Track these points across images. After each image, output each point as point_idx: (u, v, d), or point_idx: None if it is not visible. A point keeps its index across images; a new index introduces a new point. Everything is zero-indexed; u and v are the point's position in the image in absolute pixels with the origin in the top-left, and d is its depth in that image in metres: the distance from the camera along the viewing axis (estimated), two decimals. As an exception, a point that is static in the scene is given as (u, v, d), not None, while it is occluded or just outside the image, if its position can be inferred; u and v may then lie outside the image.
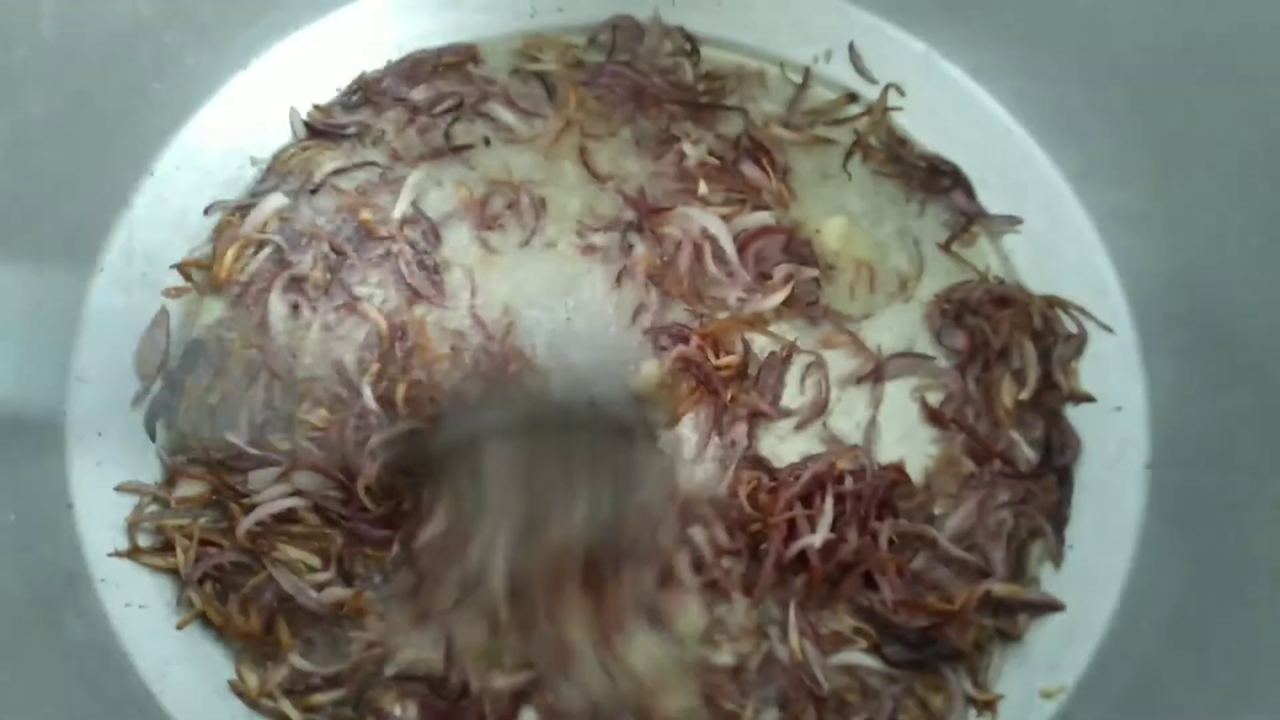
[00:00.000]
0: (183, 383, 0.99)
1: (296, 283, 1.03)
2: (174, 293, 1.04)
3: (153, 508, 0.95)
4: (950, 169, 1.11)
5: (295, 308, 1.02)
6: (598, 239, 1.08)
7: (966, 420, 1.00)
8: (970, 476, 0.98)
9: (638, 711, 0.87)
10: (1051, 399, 1.01)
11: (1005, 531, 0.96)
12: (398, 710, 0.89)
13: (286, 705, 0.89)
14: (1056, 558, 0.98)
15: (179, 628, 0.91)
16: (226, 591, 0.92)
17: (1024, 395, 1.01)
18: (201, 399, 0.98)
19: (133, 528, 0.94)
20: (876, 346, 1.03)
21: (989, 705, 0.92)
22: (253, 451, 0.95)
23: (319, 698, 0.90)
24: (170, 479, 0.96)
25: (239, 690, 0.90)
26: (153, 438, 0.98)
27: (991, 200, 1.11)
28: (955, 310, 1.04)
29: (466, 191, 1.09)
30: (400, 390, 0.95)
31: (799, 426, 1.00)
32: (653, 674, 0.88)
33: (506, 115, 1.14)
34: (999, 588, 0.94)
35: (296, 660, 0.90)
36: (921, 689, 0.91)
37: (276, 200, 1.08)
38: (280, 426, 0.97)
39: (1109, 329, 1.05)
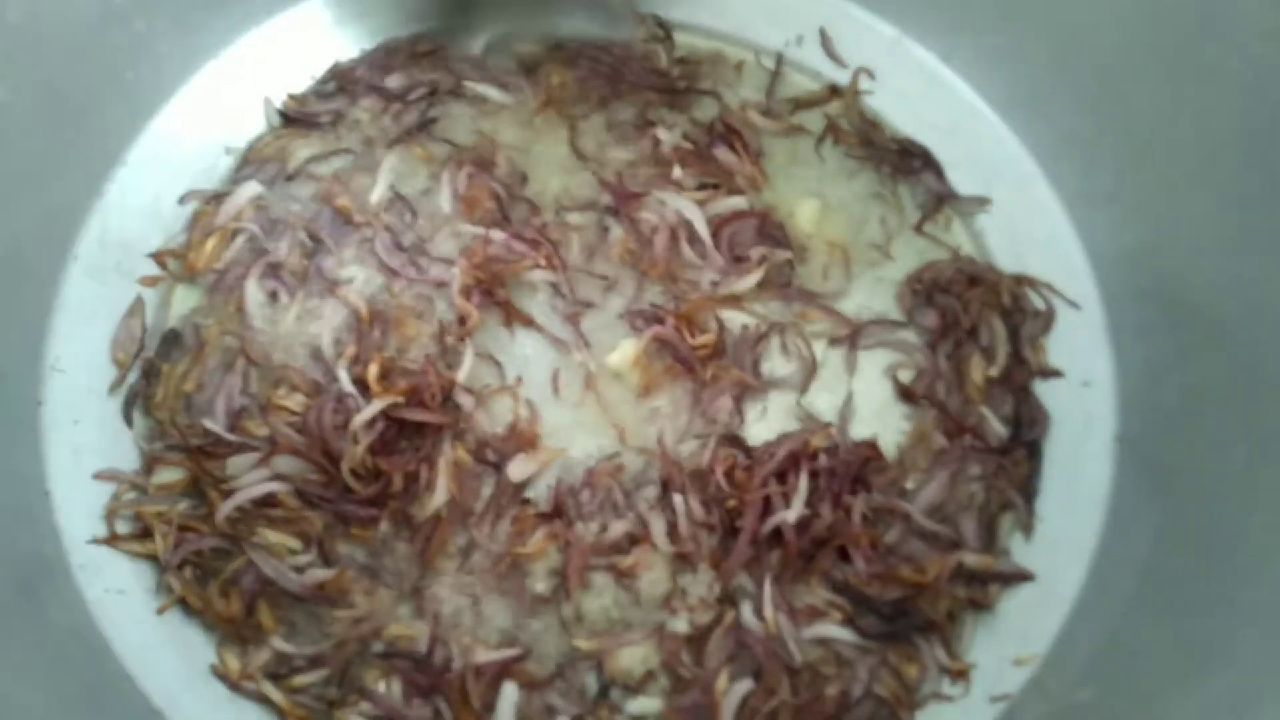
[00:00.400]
0: (159, 370, 0.99)
1: (273, 270, 1.03)
2: (149, 281, 1.04)
3: (130, 495, 0.95)
4: (921, 151, 1.12)
5: (273, 295, 1.02)
6: (574, 218, 1.08)
7: (937, 396, 1.01)
8: (942, 452, 0.99)
9: (597, 666, 0.89)
10: (1020, 375, 1.03)
11: (976, 504, 0.98)
12: (381, 687, 0.89)
13: (269, 687, 0.89)
14: (1027, 529, 1.00)
15: (159, 613, 0.91)
16: (206, 576, 0.92)
17: (994, 372, 1.03)
18: (178, 386, 0.99)
19: (111, 515, 0.94)
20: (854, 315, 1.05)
21: (961, 674, 0.94)
22: (230, 437, 0.95)
23: (302, 679, 0.90)
24: (148, 466, 0.96)
25: (220, 674, 0.90)
26: (129, 424, 0.98)
27: (962, 182, 1.12)
28: (926, 289, 1.06)
29: (424, 152, 1.09)
30: (373, 370, 0.95)
31: (794, 389, 1.02)
32: (610, 628, 0.90)
33: (486, 89, 1.15)
34: (971, 558, 0.95)
35: (278, 643, 0.90)
36: (895, 659, 0.92)
37: (251, 189, 1.08)
38: (257, 412, 0.97)
39: (1076, 305, 1.06)
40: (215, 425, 0.96)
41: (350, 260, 1.05)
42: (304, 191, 1.08)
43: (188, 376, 0.99)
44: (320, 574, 0.90)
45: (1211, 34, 0.95)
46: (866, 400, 1.02)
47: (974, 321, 1.03)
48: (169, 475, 0.96)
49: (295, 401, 0.96)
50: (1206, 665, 0.84)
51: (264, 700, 0.90)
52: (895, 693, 0.92)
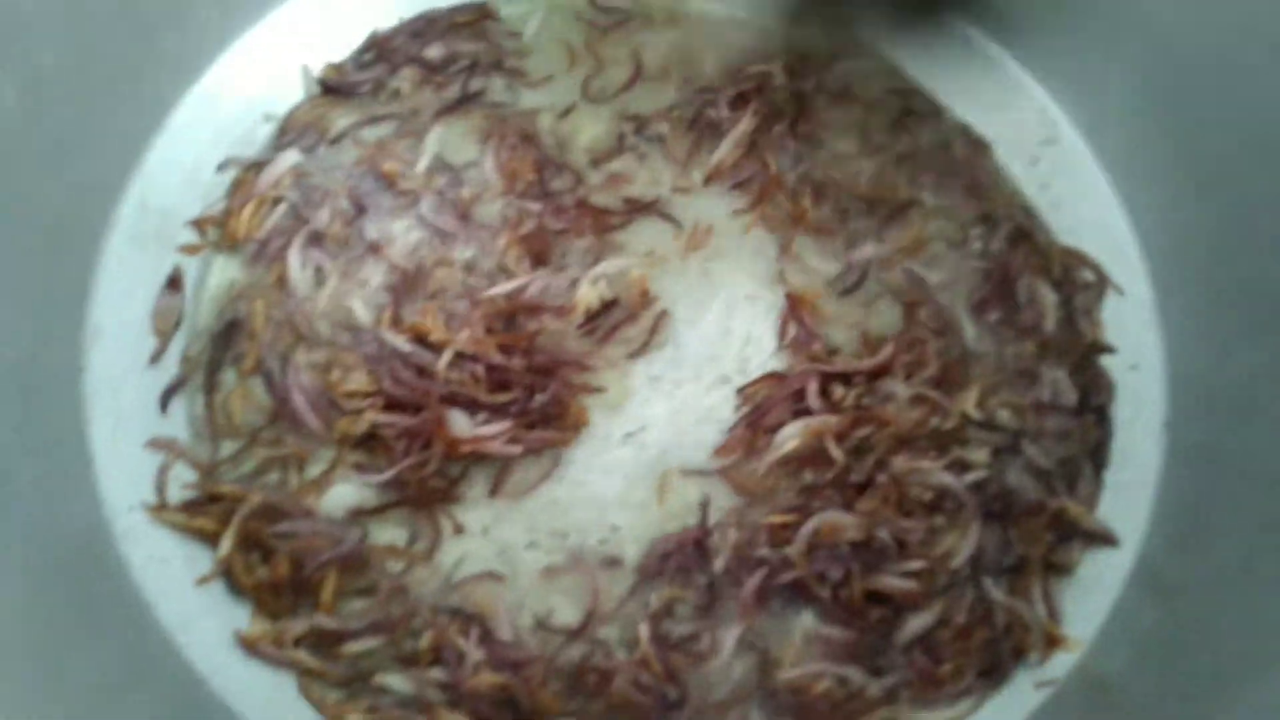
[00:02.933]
0: (220, 364, 0.98)
1: (316, 239, 1.02)
2: (190, 250, 1.03)
3: (179, 466, 0.95)
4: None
5: (318, 268, 1.01)
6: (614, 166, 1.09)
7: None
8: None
9: None
10: (1079, 343, 1.01)
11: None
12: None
13: (302, 654, 0.89)
14: (1092, 501, 0.98)
15: (198, 584, 0.91)
16: (259, 548, 0.92)
17: (1049, 325, 1.02)
18: (239, 379, 0.98)
19: (161, 486, 0.93)
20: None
21: (1055, 642, 0.93)
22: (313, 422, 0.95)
23: (350, 646, 0.90)
24: (211, 438, 0.96)
25: (248, 641, 0.90)
26: (164, 411, 0.97)
27: (1008, 158, 1.10)
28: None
29: (466, 125, 1.09)
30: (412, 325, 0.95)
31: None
32: None
33: (528, 65, 1.14)
34: (1072, 506, 0.94)
35: (320, 618, 0.90)
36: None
37: (291, 157, 1.07)
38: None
39: (1120, 290, 1.05)
40: (310, 419, 0.95)
41: (394, 226, 1.04)
42: (346, 158, 1.07)
43: (244, 358, 0.98)
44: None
45: (1266, 6, 0.93)
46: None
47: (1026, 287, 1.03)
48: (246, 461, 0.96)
49: (356, 382, 0.96)
50: (1258, 657, 0.83)
51: (300, 668, 0.89)
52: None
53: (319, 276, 1.01)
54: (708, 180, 1.08)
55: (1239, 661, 0.84)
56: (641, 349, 1.01)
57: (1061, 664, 0.93)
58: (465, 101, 1.12)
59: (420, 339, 0.95)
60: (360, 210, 1.05)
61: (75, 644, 0.81)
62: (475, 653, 0.87)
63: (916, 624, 0.91)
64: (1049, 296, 1.03)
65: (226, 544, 0.89)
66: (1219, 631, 0.87)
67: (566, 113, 1.12)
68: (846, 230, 1.05)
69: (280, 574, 0.89)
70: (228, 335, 1.00)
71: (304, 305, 0.99)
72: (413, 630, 0.89)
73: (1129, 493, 0.98)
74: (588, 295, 1.01)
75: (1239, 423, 0.95)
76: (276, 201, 1.05)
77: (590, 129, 1.11)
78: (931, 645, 0.91)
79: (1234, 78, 0.97)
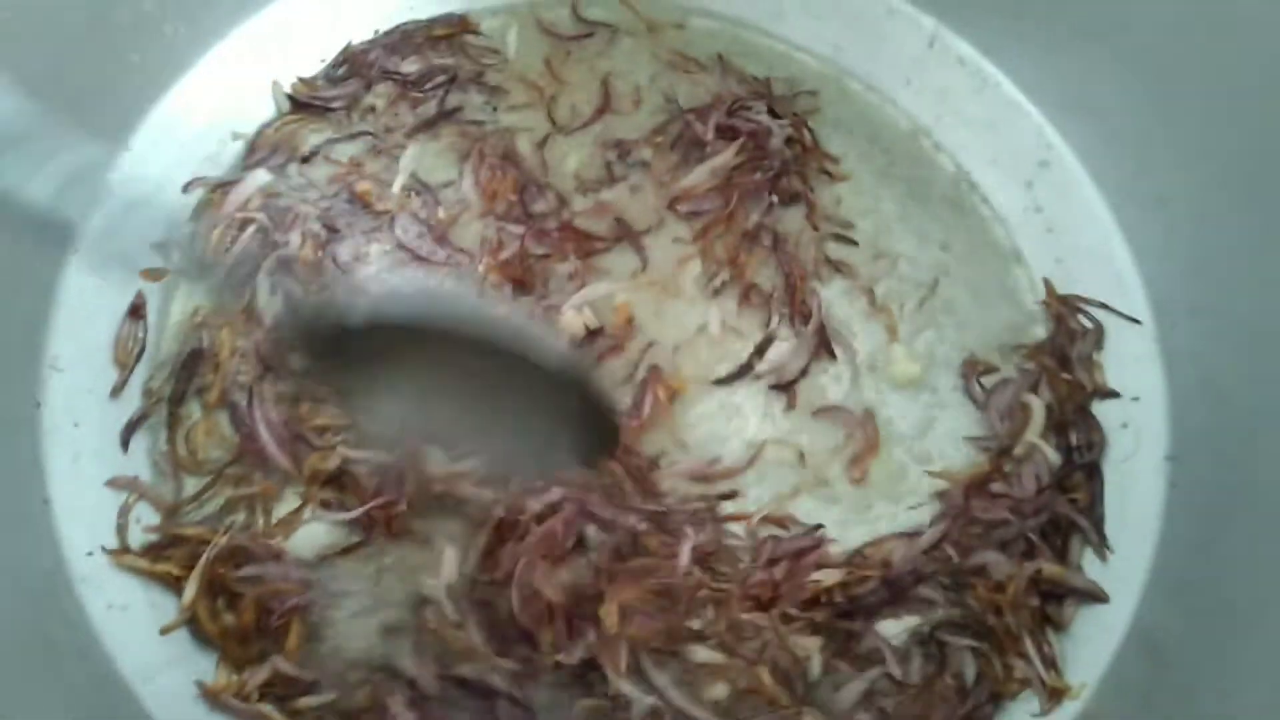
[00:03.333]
0: (184, 396, 0.94)
1: (285, 264, 0.98)
2: (152, 275, 0.99)
3: (141, 508, 0.91)
4: None
5: (288, 296, 0.97)
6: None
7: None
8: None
9: None
10: (1077, 396, 0.98)
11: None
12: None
13: (266, 707, 0.84)
14: (1099, 552, 0.95)
15: (163, 633, 0.86)
16: (224, 593, 0.87)
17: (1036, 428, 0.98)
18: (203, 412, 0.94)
19: (122, 529, 0.89)
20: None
21: (1059, 694, 0.90)
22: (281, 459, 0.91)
23: (306, 701, 0.85)
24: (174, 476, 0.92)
25: (210, 691, 0.85)
26: (125, 449, 0.93)
27: (1002, 181, 1.08)
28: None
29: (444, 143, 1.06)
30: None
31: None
32: None
33: (509, 84, 1.11)
34: (1048, 568, 0.91)
35: (280, 663, 0.85)
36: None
37: (260, 177, 1.03)
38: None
39: (1136, 320, 1.02)
40: (277, 456, 0.91)
41: (369, 249, 1.00)
42: (318, 176, 1.04)
43: (209, 389, 0.94)
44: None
45: (1270, 31, 0.90)
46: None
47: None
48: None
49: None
50: (1264, 694, 0.80)
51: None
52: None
53: (289, 304, 0.97)
54: (671, 204, 1.05)
55: (1245, 697, 0.81)
56: (628, 379, 0.97)
57: (1067, 709, 0.90)
58: (442, 118, 1.08)
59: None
60: (332, 233, 1.01)
61: (30, 696, 0.77)
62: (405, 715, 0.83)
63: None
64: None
65: (191, 590, 0.85)
66: (1227, 670, 0.84)
67: (546, 139, 1.08)
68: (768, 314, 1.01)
69: (247, 621, 0.85)
70: (191, 365, 0.96)
71: (272, 334, 0.95)
72: (352, 685, 0.85)
73: (1131, 529, 0.95)
74: (572, 323, 0.98)
75: (1242, 455, 0.92)
76: (245, 224, 1.00)
77: (575, 154, 1.08)
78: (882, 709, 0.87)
79: (1235, 102, 0.94)
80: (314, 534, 0.90)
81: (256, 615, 0.85)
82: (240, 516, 0.90)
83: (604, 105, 1.10)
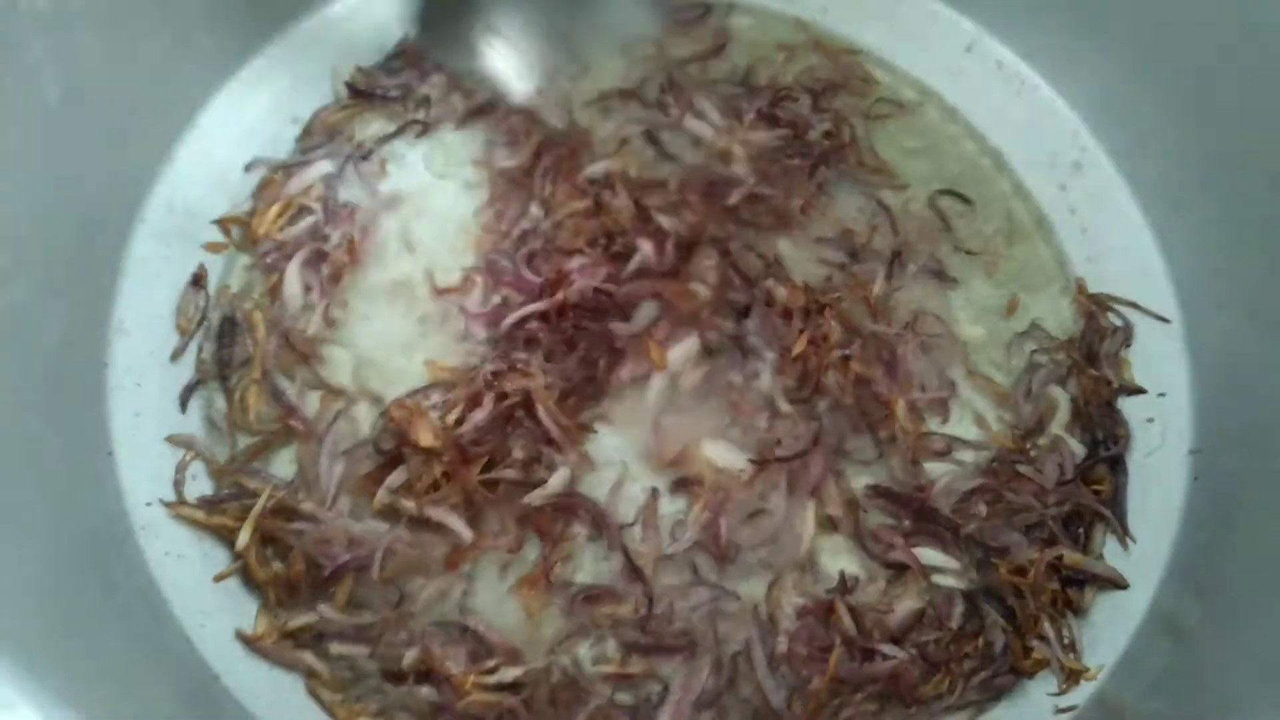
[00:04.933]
0: (228, 361, 0.98)
1: (317, 258, 1.02)
2: (213, 248, 1.03)
3: (197, 465, 0.95)
4: None
5: (308, 290, 1.01)
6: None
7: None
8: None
9: None
10: (1104, 392, 1.00)
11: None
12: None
13: (302, 652, 0.88)
14: (1122, 541, 0.97)
15: (216, 580, 0.90)
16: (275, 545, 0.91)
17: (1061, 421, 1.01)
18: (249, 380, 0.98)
19: (179, 484, 0.93)
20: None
21: (1076, 675, 0.92)
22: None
23: (338, 648, 0.89)
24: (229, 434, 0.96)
25: (248, 638, 0.89)
26: (184, 410, 0.97)
27: (1040, 184, 1.10)
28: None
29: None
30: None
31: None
32: None
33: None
34: (1069, 555, 0.93)
35: (324, 609, 0.89)
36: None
37: (323, 166, 1.07)
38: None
39: (1165, 319, 1.04)
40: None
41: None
42: (371, 172, 1.08)
43: (251, 365, 0.98)
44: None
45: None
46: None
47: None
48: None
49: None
50: (1276, 681, 0.81)
51: (302, 668, 0.88)
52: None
53: (308, 299, 1.01)
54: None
55: (1259, 684, 0.82)
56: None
57: (1082, 689, 0.91)
58: (491, 106, 1.12)
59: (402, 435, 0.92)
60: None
61: (100, 629, 0.81)
62: (464, 674, 0.86)
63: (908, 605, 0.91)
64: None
65: (244, 537, 0.89)
66: (1242, 658, 0.85)
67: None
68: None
69: (296, 572, 0.88)
70: (228, 332, 1.00)
71: (297, 322, 0.99)
72: (397, 645, 0.88)
73: (1153, 519, 0.97)
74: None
75: (1265, 452, 0.93)
76: (302, 210, 1.05)
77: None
78: (923, 643, 0.90)
79: (1265, 105, 0.96)
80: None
81: (307, 567, 0.89)
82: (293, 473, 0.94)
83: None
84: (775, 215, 1.06)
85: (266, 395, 0.97)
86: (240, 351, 0.99)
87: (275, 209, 1.04)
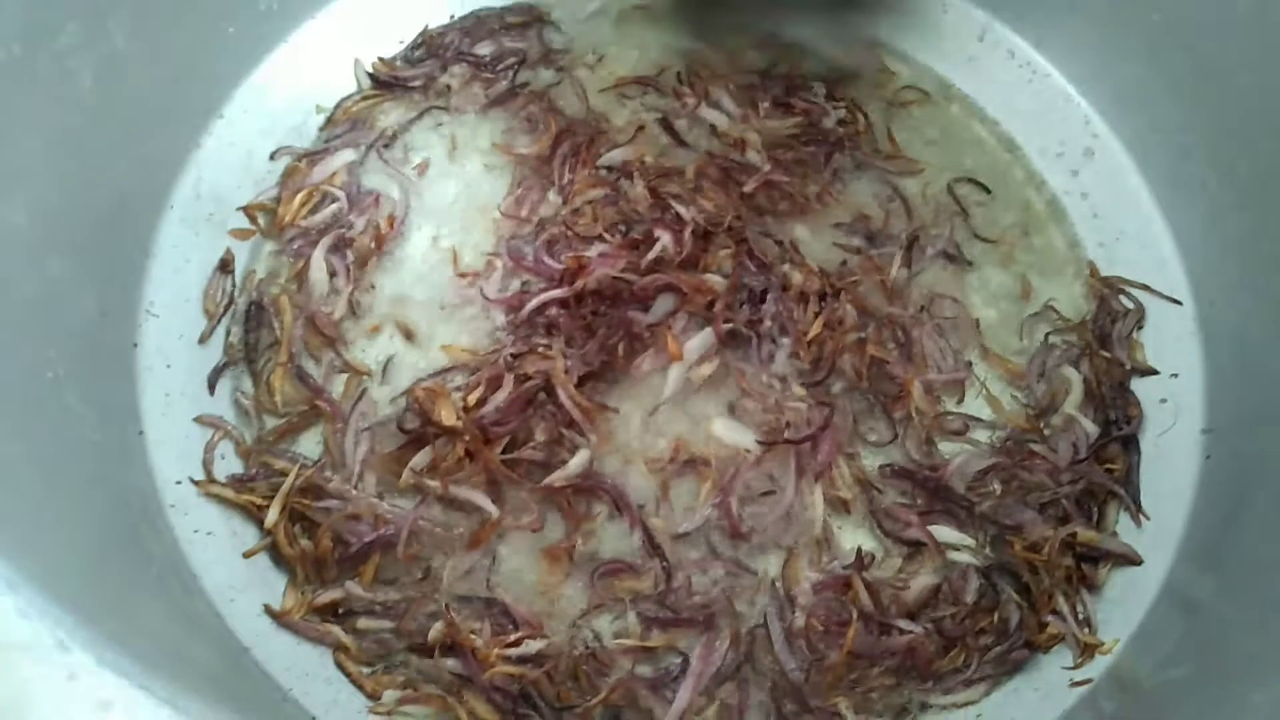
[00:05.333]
0: (255, 344, 1.00)
1: (342, 244, 1.04)
2: (240, 234, 1.05)
3: (225, 445, 0.97)
4: None
5: (333, 275, 1.03)
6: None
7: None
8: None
9: None
10: (1116, 374, 1.02)
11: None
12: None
13: (330, 626, 0.90)
14: (1135, 517, 0.98)
15: (245, 556, 0.92)
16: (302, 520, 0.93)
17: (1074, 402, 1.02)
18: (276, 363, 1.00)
19: (208, 463, 0.95)
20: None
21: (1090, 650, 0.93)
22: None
23: (366, 623, 0.90)
24: (256, 416, 0.98)
25: (275, 612, 0.90)
26: (212, 392, 0.99)
27: (1051, 169, 1.11)
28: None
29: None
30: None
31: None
32: None
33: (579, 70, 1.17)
34: (1083, 532, 0.94)
35: (351, 586, 0.90)
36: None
37: (346, 155, 1.09)
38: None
39: (1176, 301, 1.05)
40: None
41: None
42: (396, 159, 1.10)
43: (279, 349, 1.00)
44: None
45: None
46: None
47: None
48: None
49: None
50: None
51: (330, 642, 0.90)
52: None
53: (333, 285, 1.03)
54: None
55: (1272, 659, 0.83)
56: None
57: (1096, 663, 0.92)
58: (512, 95, 1.14)
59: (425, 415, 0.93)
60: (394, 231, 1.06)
61: (141, 596, 0.82)
62: (488, 647, 0.88)
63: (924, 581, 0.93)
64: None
65: (273, 514, 0.91)
66: (1254, 633, 0.86)
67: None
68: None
69: (324, 549, 0.90)
70: (256, 316, 1.01)
71: (323, 307, 1.01)
72: (422, 619, 0.90)
73: (1167, 498, 0.98)
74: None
75: (1275, 431, 0.94)
76: (326, 197, 1.07)
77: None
78: (939, 618, 0.92)
79: (1274, 91, 0.97)
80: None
81: (332, 544, 0.90)
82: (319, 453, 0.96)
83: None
84: (791, 201, 1.08)
85: (292, 378, 0.99)
86: (267, 335, 1.01)
87: (300, 196, 1.06)
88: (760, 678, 0.90)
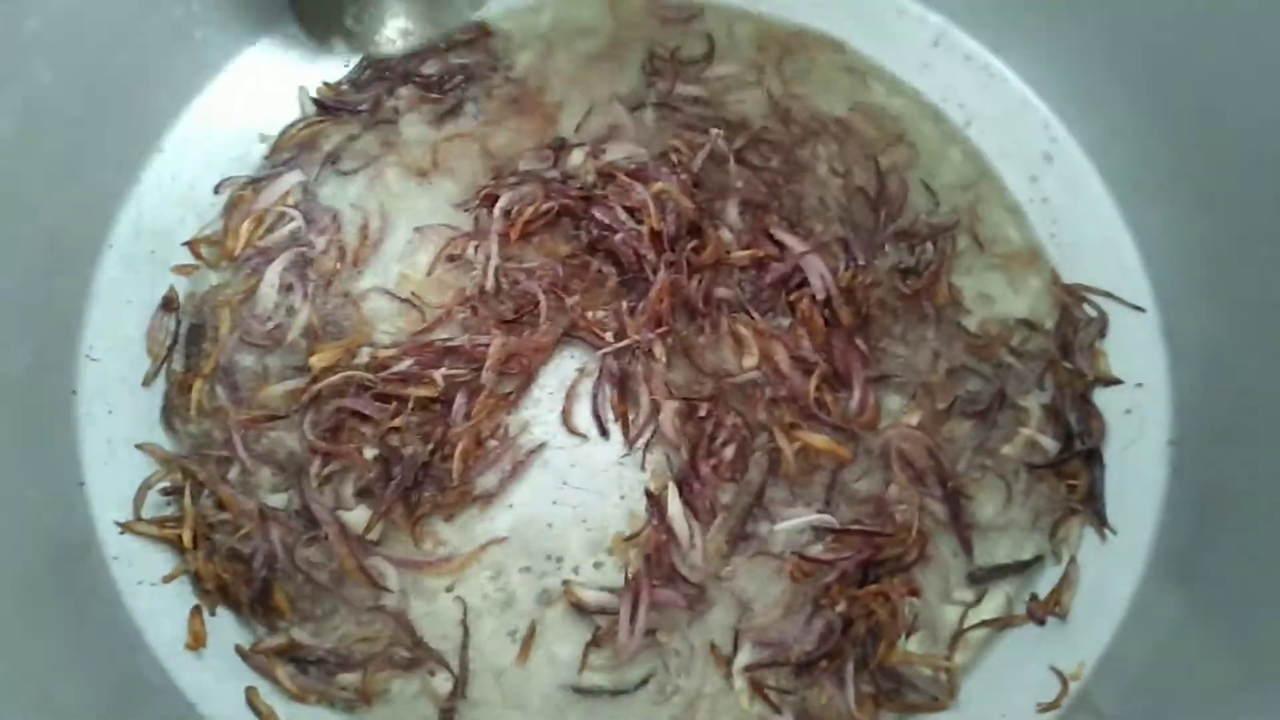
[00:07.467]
0: (196, 367, 0.98)
1: (301, 262, 1.02)
2: (184, 270, 1.03)
3: (164, 483, 0.95)
4: None
5: (288, 288, 1.01)
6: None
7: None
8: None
9: None
10: (1077, 385, 1.00)
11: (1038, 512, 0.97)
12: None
13: (279, 668, 0.88)
14: (1100, 532, 0.97)
15: (165, 581, 0.90)
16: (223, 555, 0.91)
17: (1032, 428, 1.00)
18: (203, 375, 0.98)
19: (139, 501, 0.93)
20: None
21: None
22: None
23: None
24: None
25: (242, 652, 0.89)
26: (168, 430, 0.97)
27: (1011, 173, 1.09)
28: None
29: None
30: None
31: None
32: None
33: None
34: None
35: (295, 632, 0.89)
36: None
37: (293, 177, 1.07)
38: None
39: (1140, 308, 1.03)
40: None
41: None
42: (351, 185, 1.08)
43: (208, 358, 0.98)
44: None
45: (1268, 21, 0.91)
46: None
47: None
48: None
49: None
50: (1261, 677, 0.81)
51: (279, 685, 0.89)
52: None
53: (289, 299, 1.00)
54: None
55: (1245, 675, 0.82)
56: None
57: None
58: (458, 109, 1.12)
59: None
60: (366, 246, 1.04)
61: (71, 668, 0.81)
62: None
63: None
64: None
65: (187, 534, 0.90)
66: (1224, 651, 0.85)
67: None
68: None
69: (228, 567, 0.89)
70: (193, 340, 0.99)
71: (267, 324, 0.99)
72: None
73: (1132, 512, 0.96)
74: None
75: (1245, 440, 0.93)
76: (280, 219, 1.04)
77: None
78: None
79: (1237, 94, 0.96)
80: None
81: (232, 561, 0.90)
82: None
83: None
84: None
85: (210, 386, 0.97)
86: (208, 349, 0.99)
87: (247, 224, 1.04)
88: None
